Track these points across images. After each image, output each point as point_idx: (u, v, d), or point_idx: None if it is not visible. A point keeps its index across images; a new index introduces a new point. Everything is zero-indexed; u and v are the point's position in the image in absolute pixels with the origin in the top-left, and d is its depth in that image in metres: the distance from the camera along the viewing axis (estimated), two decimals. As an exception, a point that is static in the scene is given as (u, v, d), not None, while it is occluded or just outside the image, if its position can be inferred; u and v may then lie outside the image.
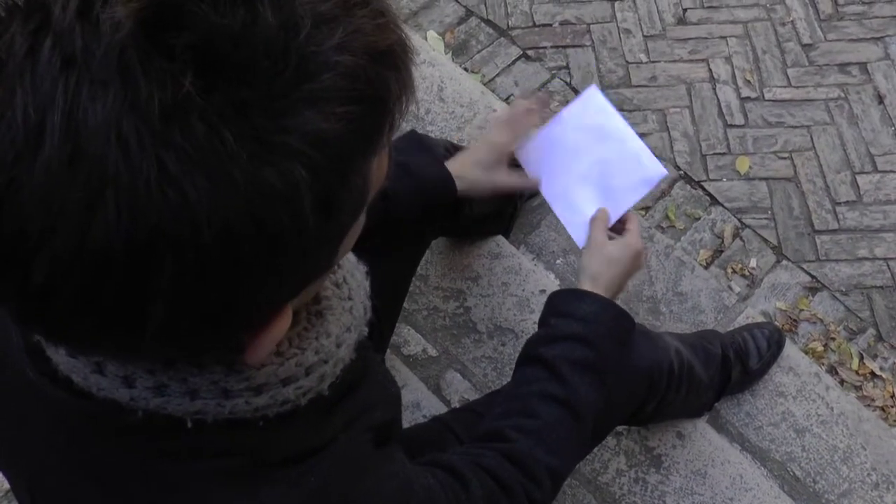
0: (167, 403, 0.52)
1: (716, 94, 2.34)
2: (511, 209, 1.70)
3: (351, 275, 0.67)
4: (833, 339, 1.95)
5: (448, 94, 1.96)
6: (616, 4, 2.48)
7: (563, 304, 1.01)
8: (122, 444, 0.56)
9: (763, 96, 2.33)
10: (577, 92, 2.33)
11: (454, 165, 1.14)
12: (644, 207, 2.13)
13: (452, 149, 1.23)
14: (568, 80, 2.36)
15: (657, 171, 1.16)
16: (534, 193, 1.83)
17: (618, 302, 1.04)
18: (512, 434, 0.89)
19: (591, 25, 2.46)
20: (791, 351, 1.70)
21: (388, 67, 0.43)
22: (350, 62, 0.40)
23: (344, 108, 0.40)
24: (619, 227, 1.14)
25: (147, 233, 0.37)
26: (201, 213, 0.38)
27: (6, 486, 1.49)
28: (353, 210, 0.47)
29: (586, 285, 1.04)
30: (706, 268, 2.04)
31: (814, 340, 1.94)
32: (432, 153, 1.16)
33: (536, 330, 1.03)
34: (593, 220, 1.13)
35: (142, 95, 0.36)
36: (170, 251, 0.38)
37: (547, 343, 0.97)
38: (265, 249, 0.41)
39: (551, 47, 2.42)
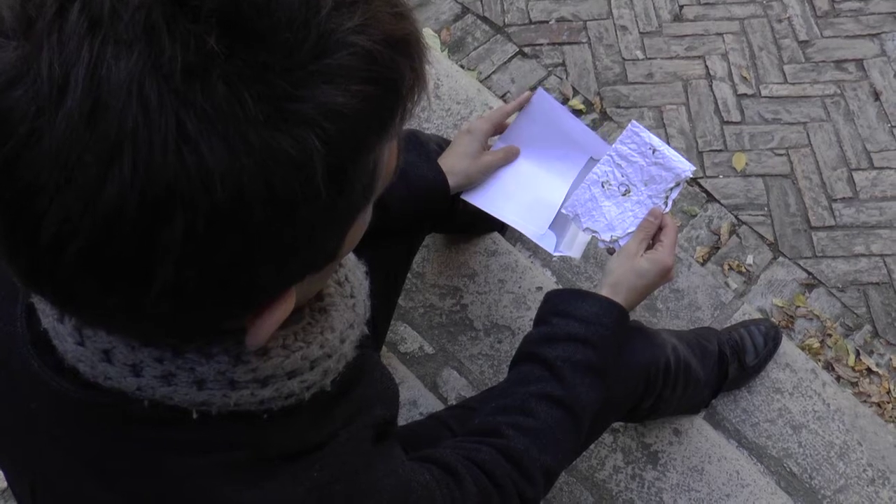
0: (174, 393, 0.53)
1: (712, 90, 2.34)
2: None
3: (352, 273, 0.67)
4: (829, 335, 1.95)
5: (444, 92, 1.96)
6: (612, 1, 2.48)
7: (565, 303, 1.00)
8: (126, 436, 0.56)
9: (759, 93, 2.33)
10: (575, 90, 2.33)
11: (444, 162, 1.16)
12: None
13: (444, 144, 1.23)
14: (564, 77, 2.36)
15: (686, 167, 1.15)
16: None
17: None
18: (508, 431, 0.89)
19: (588, 22, 2.45)
20: (787, 347, 1.70)
21: (402, 55, 0.44)
22: (366, 44, 0.41)
23: (359, 87, 0.41)
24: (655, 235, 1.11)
25: (160, 190, 0.38)
26: (215, 174, 0.38)
27: (4, 483, 1.49)
28: (363, 193, 0.47)
29: (605, 290, 1.03)
30: (703, 264, 2.04)
31: (810, 337, 1.94)
32: (425, 149, 1.17)
33: (533, 327, 1.02)
34: (638, 227, 1.10)
35: (165, 54, 0.37)
36: (181, 210, 0.38)
37: (547, 342, 0.97)
38: (275, 216, 0.41)
39: (547, 44, 2.42)
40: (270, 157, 0.39)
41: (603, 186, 1.16)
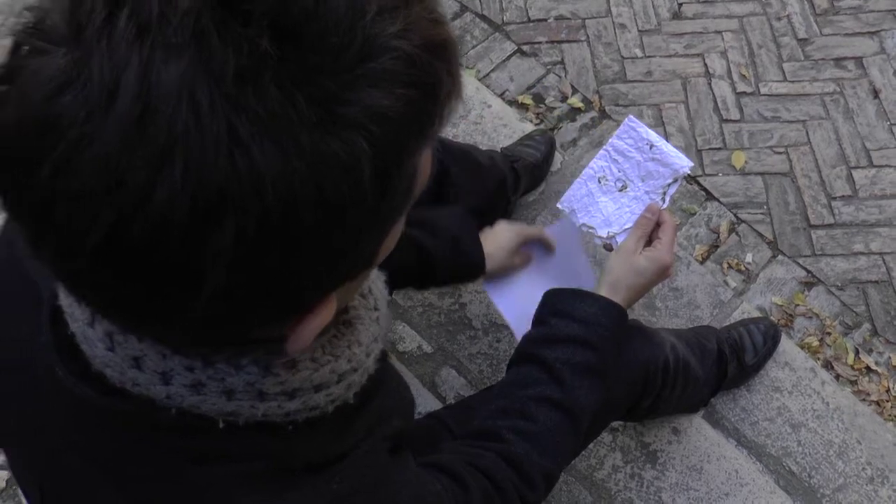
0: (202, 403, 0.53)
1: (711, 88, 2.33)
2: (503, 204, 1.69)
3: (374, 284, 0.68)
4: (829, 333, 1.95)
5: (443, 90, 1.95)
6: (611, -1, 2.47)
7: (564, 303, 1.00)
8: (149, 443, 0.56)
9: (759, 91, 2.33)
10: (574, 88, 2.33)
11: (487, 245, 1.25)
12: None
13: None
14: (563, 75, 2.35)
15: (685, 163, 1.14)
16: (528, 189, 1.84)
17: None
18: (508, 435, 0.89)
19: (587, 20, 2.45)
20: (787, 346, 1.70)
21: (440, 59, 0.45)
22: (408, 48, 0.42)
23: (402, 90, 0.42)
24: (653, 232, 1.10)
25: (211, 194, 0.38)
26: (267, 177, 0.38)
27: (3, 483, 1.48)
28: (403, 197, 0.48)
29: (605, 289, 1.02)
30: (702, 263, 2.04)
31: (809, 335, 1.94)
32: (471, 226, 1.26)
33: (532, 326, 1.02)
34: (634, 225, 1.09)
35: (216, 59, 0.37)
36: (232, 214, 0.39)
37: (546, 343, 0.96)
38: (325, 220, 0.41)
39: (546, 42, 2.41)
40: (321, 160, 0.40)
41: (599, 182, 1.16)
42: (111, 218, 0.38)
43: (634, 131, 1.14)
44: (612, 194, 1.15)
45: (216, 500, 0.56)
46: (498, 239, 1.28)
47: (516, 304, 1.33)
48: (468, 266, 1.24)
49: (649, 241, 1.08)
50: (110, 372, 0.53)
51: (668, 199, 1.13)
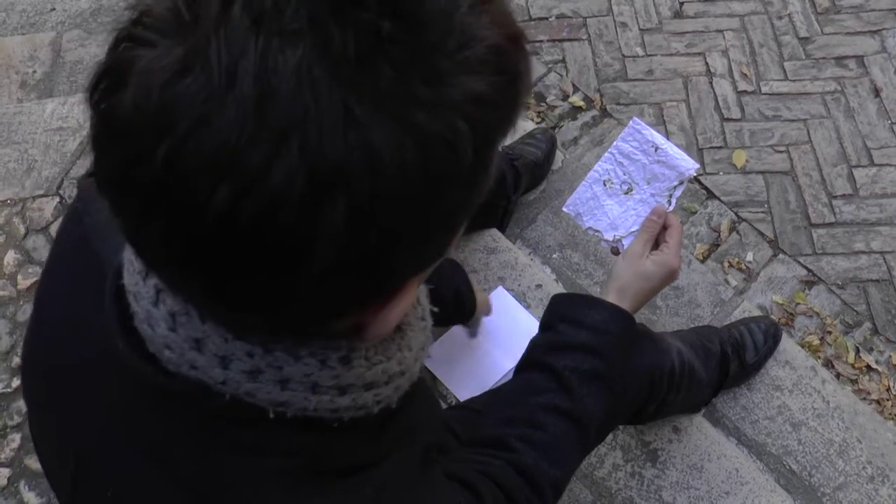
0: (257, 390, 0.54)
1: (712, 87, 2.33)
2: (504, 202, 1.69)
3: (422, 296, 0.69)
4: (829, 332, 1.95)
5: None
6: (612, -2, 2.47)
7: (573, 310, 0.98)
8: (195, 429, 0.57)
9: (760, 90, 2.33)
10: (575, 87, 2.33)
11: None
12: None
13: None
14: (564, 73, 2.35)
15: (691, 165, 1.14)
16: (529, 188, 1.84)
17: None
18: (518, 445, 0.89)
19: (588, 19, 2.45)
20: (787, 345, 1.70)
21: (520, 51, 0.47)
22: (496, 39, 0.44)
23: (493, 78, 0.44)
24: (659, 235, 1.09)
25: (327, 172, 0.39)
26: (382, 155, 0.40)
27: (5, 481, 1.49)
28: (487, 181, 0.50)
29: (612, 295, 1.01)
30: (703, 262, 2.04)
31: (810, 334, 1.94)
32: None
33: (539, 331, 1.01)
34: (641, 228, 1.08)
35: (335, 42, 0.39)
36: (345, 191, 0.40)
37: (554, 350, 0.95)
38: (426, 196, 0.43)
39: (547, 41, 2.41)
40: (430, 138, 0.41)
41: (605, 185, 1.15)
42: (227, 195, 0.39)
43: (639, 133, 1.14)
44: (617, 197, 1.15)
45: (246, 493, 0.56)
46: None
47: (454, 367, 1.51)
48: (462, 315, 1.37)
49: (656, 245, 1.07)
50: (169, 354, 0.54)
51: (674, 201, 1.12)
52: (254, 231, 0.40)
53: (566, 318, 0.98)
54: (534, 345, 0.99)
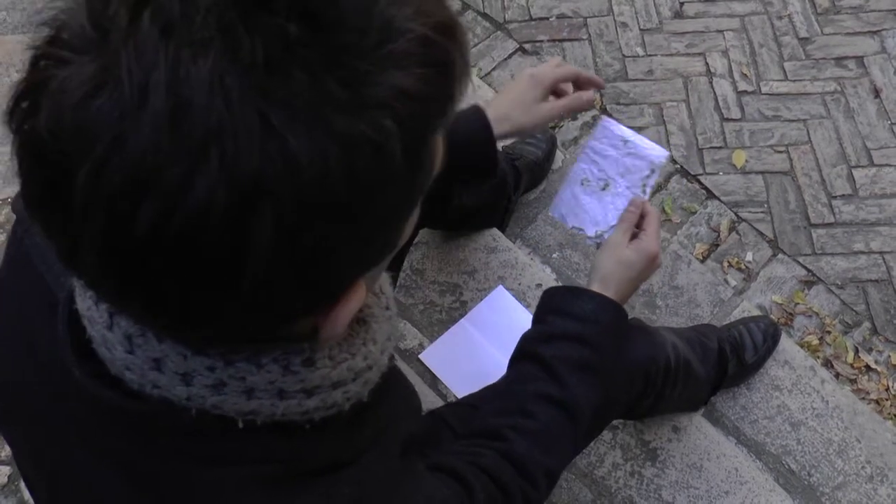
0: (223, 402, 0.53)
1: (712, 87, 2.34)
2: (505, 202, 1.70)
3: (385, 285, 0.68)
4: (828, 332, 1.95)
5: (444, 88, 1.95)
6: (613, -2, 2.47)
7: (561, 301, 1.00)
8: (163, 446, 0.56)
9: (760, 90, 2.33)
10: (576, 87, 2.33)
11: (493, 105, 1.08)
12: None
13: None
14: (564, 73, 2.36)
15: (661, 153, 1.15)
16: (529, 187, 1.84)
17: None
18: (509, 434, 0.89)
19: (588, 19, 2.45)
20: (787, 344, 1.71)
21: (451, 40, 0.46)
22: (422, 30, 0.43)
23: (420, 70, 0.43)
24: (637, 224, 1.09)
25: (248, 182, 0.39)
26: (301, 161, 0.39)
27: (5, 479, 1.49)
28: (426, 176, 0.49)
29: (595, 286, 1.02)
30: (702, 262, 2.04)
31: (809, 334, 1.94)
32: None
33: (531, 325, 1.02)
34: (620, 219, 1.09)
35: (244, 49, 0.38)
36: (270, 200, 0.39)
37: (544, 341, 0.96)
38: (357, 199, 0.42)
39: (548, 41, 2.41)
40: (352, 141, 0.40)
41: (582, 184, 1.17)
42: (151, 214, 0.39)
43: (609, 130, 1.16)
44: (595, 194, 1.16)
45: (224, 503, 0.56)
46: (510, 93, 1.08)
47: (453, 366, 1.49)
48: (465, 132, 1.04)
49: (636, 235, 1.08)
50: (130, 375, 0.54)
51: (648, 190, 1.14)
52: (182, 247, 0.40)
53: (554, 309, 0.99)
54: (524, 338, 1.00)
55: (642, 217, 1.07)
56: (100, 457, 0.59)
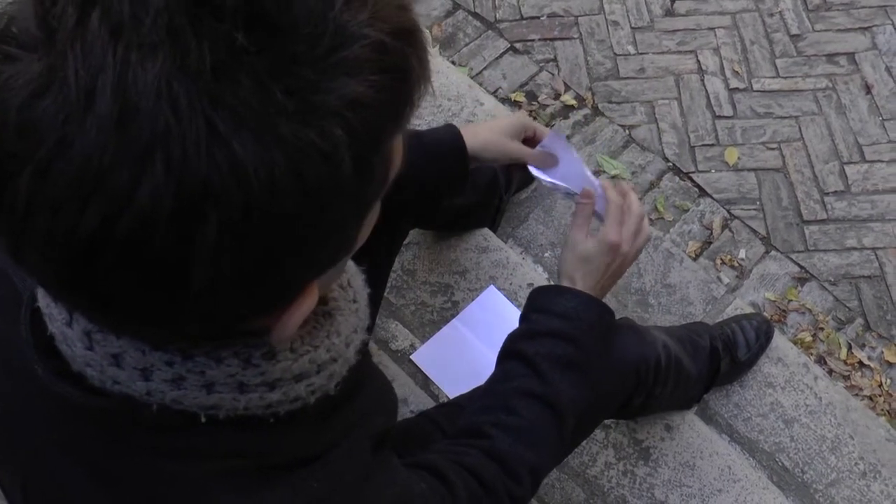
0: (183, 397, 0.53)
1: (704, 85, 2.34)
2: (496, 202, 1.69)
3: (354, 278, 0.68)
4: (822, 329, 1.95)
5: (435, 88, 1.95)
6: (604, -4, 2.47)
7: (543, 299, 1.00)
8: (129, 442, 0.56)
9: (751, 87, 2.33)
10: (567, 86, 2.33)
11: (467, 128, 1.13)
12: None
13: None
14: (556, 72, 2.35)
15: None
16: (520, 187, 1.83)
17: (607, 296, 1.03)
18: (492, 431, 0.89)
19: (579, 18, 2.45)
20: (780, 341, 1.70)
21: (409, 45, 0.45)
22: (377, 36, 0.43)
23: (375, 77, 0.42)
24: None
25: (194, 189, 0.39)
26: (248, 169, 0.39)
27: None
28: (380, 183, 0.49)
29: (565, 285, 1.02)
30: (695, 259, 2.04)
31: (802, 331, 1.94)
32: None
33: (518, 324, 1.02)
34: (573, 215, 1.08)
35: (192, 55, 0.38)
36: (215, 207, 0.39)
37: (527, 339, 0.97)
38: (305, 208, 0.42)
39: (539, 40, 2.41)
40: (300, 150, 0.40)
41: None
42: (96, 218, 0.39)
43: (558, 140, 1.19)
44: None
45: (193, 498, 0.56)
46: (489, 122, 1.17)
47: (445, 367, 1.49)
48: (441, 146, 1.10)
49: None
50: (91, 371, 0.54)
51: (595, 182, 1.12)
52: (127, 251, 0.40)
53: (538, 307, 0.99)
54: (509, 337, 1.00)
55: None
56: (71, 458, 0.59)
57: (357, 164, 0.43)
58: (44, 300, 0.56)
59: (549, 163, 1.18)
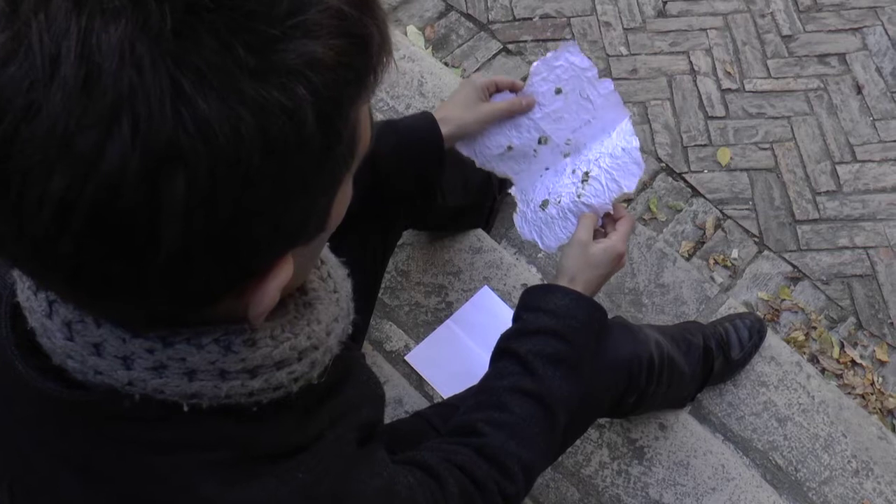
0: (165, 385, 0.53)
1: (696, 86, 2.34)
2: (490, 203, 1.70)
3: (335, 270, 0.68)
4: (814, 328, 1.96)
5: (428, 89, 1.96)
6: (596, -3, 2.48)
7: (535, 298, 1.01)
8: (113, 435, 0.56)
9: (743, 88, 2.34)
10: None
11: (438, 111, 1.15)
12: (626, 200, 2.14)
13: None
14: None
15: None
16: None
17: (599, 296, 1.04)
18: (484, 428, 0.89)
19: (572, 19, 2.45)
20: (773, 340, 1.71)
21: (366, 13, 0.46)
22: (334, 3, 0.44)
23: (334, 41, 0.43)
24: (605, 221, 1.11)
25: (161, 148, 0.39)
26: (213, 127, 0.39)
27: None
28: (348, 149, 0.49)
29: (563, 283, 1.03)
30: (688, 259, 2.05)
31: (795, 330, 1.95)
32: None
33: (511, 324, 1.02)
34: (582, 215, 1.10)
35: (153, 16, 0.39)
36: (183, 166, 0.40)
37: (519, 337, 0.97)
38: (272, 165, 0.42)
39: (532, 41, 2.42)
40: (264, 106, 0.41)
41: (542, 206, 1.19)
42: (65, 182, 0.39)
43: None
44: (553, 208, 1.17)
45: (179, 489, 0.56)
46: (453, 98, 1.18)
47: (439, 367, 1.50)
48: (417, 136, 1.12)
49: (605, 233, 1.09)
50: (72, 363, 0.54)
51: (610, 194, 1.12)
52: (96, 216, 0.40)
53: (530, 306, 1.00)
54: (502, 336, 1.01)
55: (612, 218, 1.10)
56: (55, 455, 0.58)
57: (321, 124, 0.44)
58: (23, 294, 0.56)
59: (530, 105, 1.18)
